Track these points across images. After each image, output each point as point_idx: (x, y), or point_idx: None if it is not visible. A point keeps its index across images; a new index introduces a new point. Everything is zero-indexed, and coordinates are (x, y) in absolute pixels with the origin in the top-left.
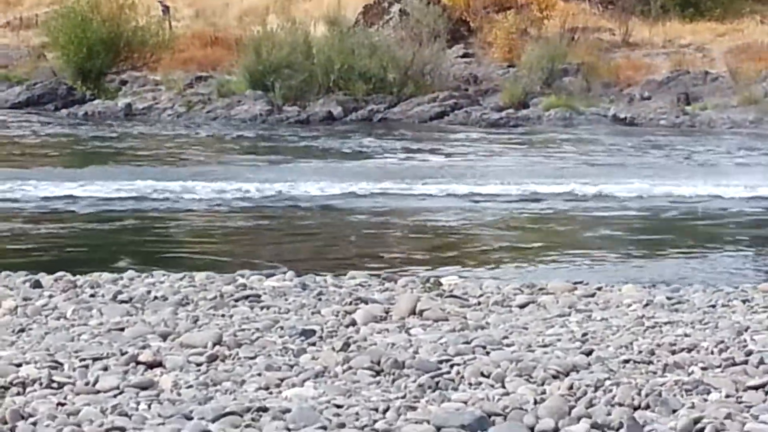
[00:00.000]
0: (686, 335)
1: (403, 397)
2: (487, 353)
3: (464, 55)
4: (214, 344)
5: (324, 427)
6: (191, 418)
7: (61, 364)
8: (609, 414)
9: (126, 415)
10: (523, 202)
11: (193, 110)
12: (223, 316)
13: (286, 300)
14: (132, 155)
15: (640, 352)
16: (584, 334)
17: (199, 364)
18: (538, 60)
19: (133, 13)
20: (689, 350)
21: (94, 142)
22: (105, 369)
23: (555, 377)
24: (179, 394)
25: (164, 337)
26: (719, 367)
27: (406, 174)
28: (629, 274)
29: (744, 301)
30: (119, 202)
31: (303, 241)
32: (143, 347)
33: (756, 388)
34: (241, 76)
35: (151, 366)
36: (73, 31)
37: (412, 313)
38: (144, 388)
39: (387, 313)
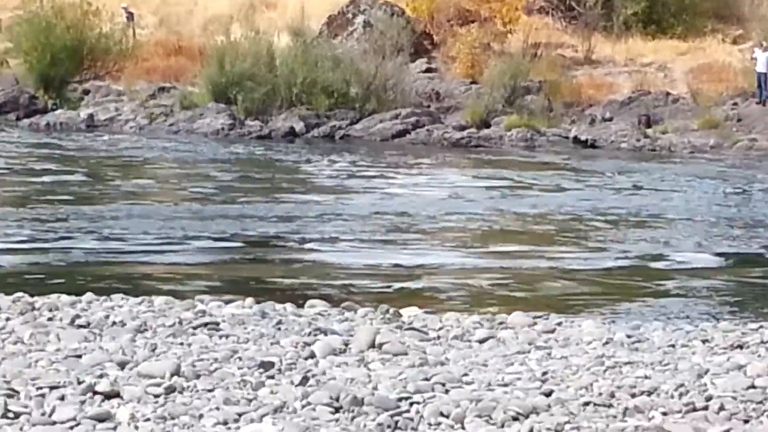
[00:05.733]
0: (646, 377)
1: None
2: (447, 391)
3: (427, 70)
4: (172, 375)
5: None
6: None
7: (18, 393)
8: None
9: None
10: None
11: (156, 122)
12: (181, 344)
13: (245, 329)
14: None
15: (600, 394)
16: (544, 374)
17: (156, 396)
18: (501, 77)
19: (97, 20)
20: (649, 393)
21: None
22: (62, 398)
23: (515, 419)
24: (136, 428)
25: (122, 365)
26: (680, 412)
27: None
28: (587, 306)
29: (704, 341)
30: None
31: (262, 270)
32: (101, 376)
33: None
34: (204, 88)
35: (108, 396)
36: (36, 37)
37: (372, 346)
38: (101, 420)
39: (346, 345)
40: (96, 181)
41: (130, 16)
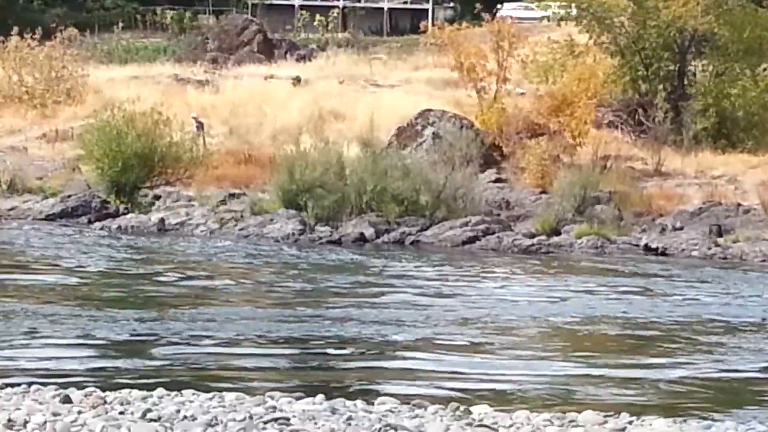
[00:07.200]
0: None
1: None
2: None
3: (497, 180)
4: None
5: None
6: None
7: None
8: None
9: None
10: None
11: (226, 227)
12: None
13: (316, 424)
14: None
15: None
16: None
17: None
18: (571, 187)
19: (167, 129)
20: None
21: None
22: None
23: None
24: None
25: None
26: None
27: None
28: (662, 408)
29: None
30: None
31: (335, 370)
32: None
33: None
34: (274, 195)
35: None
36: (108, 144)
37: None
38: None
39: None
40: (171, 282)
41: (200, 125)
